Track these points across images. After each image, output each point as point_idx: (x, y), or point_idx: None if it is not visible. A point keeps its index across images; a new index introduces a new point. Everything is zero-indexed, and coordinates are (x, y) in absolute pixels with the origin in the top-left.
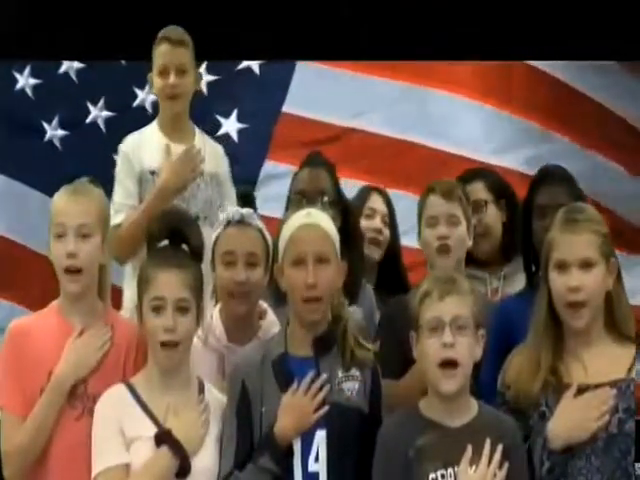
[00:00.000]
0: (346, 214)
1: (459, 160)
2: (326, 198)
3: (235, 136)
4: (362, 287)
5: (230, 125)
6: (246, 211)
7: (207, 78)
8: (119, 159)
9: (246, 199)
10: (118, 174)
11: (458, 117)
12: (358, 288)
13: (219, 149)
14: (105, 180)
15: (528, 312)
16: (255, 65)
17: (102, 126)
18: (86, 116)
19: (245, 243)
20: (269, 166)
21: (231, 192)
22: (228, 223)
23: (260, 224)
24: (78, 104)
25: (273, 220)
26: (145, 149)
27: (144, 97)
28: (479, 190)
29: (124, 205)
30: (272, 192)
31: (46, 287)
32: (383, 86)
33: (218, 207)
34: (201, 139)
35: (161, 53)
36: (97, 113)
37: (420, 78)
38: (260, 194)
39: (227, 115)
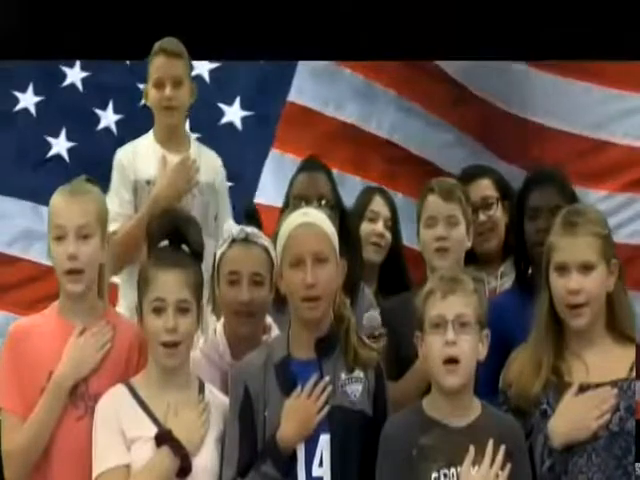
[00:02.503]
0: (343, 217)
1: None
2: (324, 202)
3: (239, 124)
4: (360, 290)
5: (233, 113)
6: (251, 229)
7: (210, 66)
8: (114, 168)
9: (251, 216)
10: (113, 183)
11: None
12: (356, 291)
13: (216, 159)
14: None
15: (518, 309)
16: None
17: (114, 130)
18: (96, 124)
19: (250, 262)
20: (275, 154)
21: (227, 202)
22: (233, 241)
23: (265, 242)
24: (86, 113)
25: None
26: (141, 159)
27: None
28: (488, 187)
29: (119, 214)
30: (279, 181)
31: None
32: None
33: (214, 217)
34: (197, 149)
35: (157, 65)
36: (108, 118)
37: None
38: (268, 182)
39: (230, 103)
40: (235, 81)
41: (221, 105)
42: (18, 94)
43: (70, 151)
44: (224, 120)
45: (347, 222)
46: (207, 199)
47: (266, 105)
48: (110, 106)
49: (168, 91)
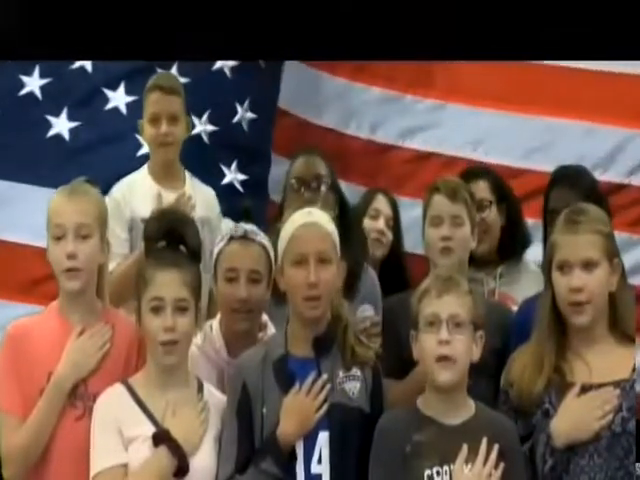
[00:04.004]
0: (342, 201)
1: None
2: (325, 182)
3: (245, 126)
4: (364, 269)
5: (242, 114)
6: (249, 226)
7: (229, 63)
8: (109, 206)
9: (247, 214)
10: (108, 221)
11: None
12: (360, 268)
13: (211, 194)
14: (128, 159)
15: None
16: None
17: (124, 110)
18: (105, 104)
19: (248, 260)
20: (277, 158)
21: None
22: (231, 238)
23: (263, 240)
24: (94, 94)
25: None
26: (136, 196)
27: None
28: (483, 189)
29: (115, 254)
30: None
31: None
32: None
33: (210, 253)
34: (191, 185)
35: (152, 100)
36: (118, 99)
37: None
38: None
39: (242, 102)
40: (245, 83)
41: (236, 104)
42: (24, 78)
43: (71, 131)
44: (235, 119)
45: (346, 205)
46: (203, 235)
47: (267, 110)
48: (122, 88)
49: (164, 127)
